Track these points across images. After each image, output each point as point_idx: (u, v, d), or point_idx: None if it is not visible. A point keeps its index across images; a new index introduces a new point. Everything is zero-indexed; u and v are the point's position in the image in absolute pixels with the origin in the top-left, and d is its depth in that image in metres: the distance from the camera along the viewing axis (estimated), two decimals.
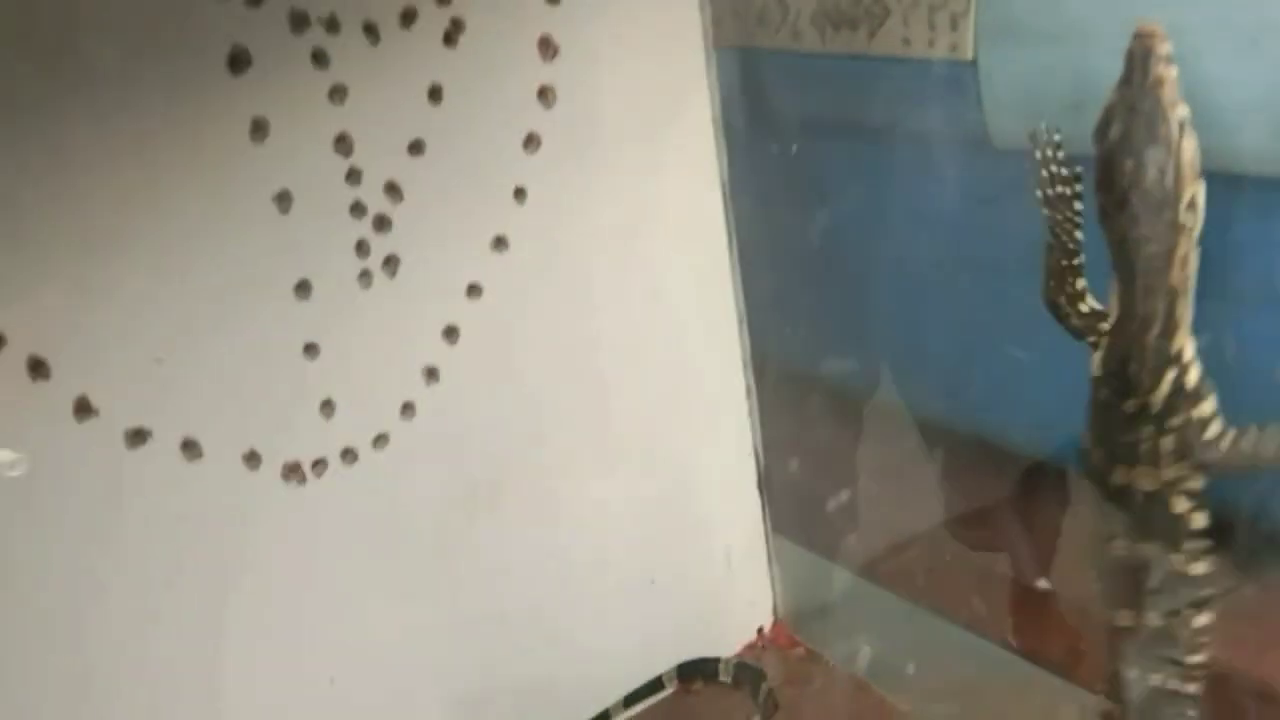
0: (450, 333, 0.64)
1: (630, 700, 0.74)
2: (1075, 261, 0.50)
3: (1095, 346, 0.49)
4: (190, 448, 0.56)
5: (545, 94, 0.63)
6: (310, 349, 0.59)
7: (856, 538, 0.77)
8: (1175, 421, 0.47)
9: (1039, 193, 0.50)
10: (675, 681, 0.75)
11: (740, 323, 0.75)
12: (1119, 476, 0.49)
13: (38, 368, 0.51)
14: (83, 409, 0.53)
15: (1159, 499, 0.48)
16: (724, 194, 0.72)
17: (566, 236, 0.66)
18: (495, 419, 0.66)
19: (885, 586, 0.76)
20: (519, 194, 0.64)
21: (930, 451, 0.70)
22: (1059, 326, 0.52)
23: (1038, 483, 0.67)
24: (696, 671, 0.75)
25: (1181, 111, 0.44)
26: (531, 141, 0.63)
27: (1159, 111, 0.44)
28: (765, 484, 0.78)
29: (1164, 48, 0.44)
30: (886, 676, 0.73)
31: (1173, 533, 0.49)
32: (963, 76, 0.56)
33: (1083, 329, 0.50)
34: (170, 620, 0.57)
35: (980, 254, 0.60)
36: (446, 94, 0.60)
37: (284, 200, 0.56)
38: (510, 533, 0.68)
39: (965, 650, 0.70)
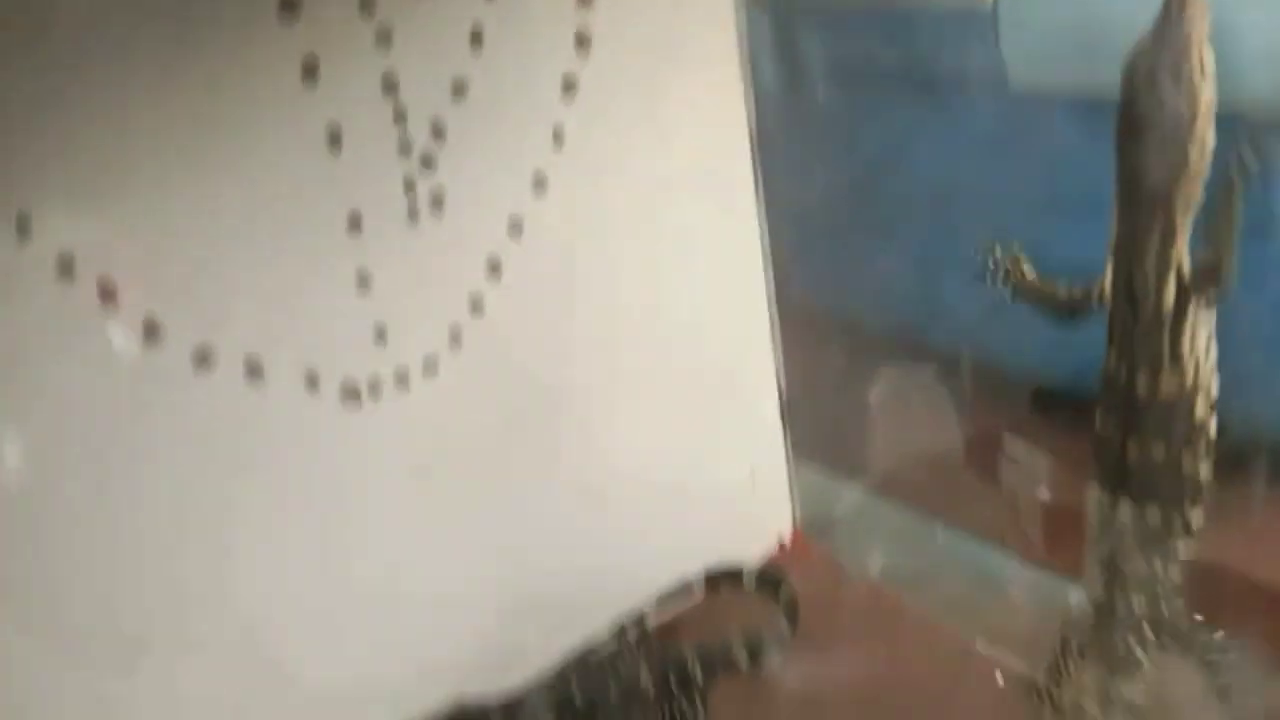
0: (494, 267, 0.67)
1: (663, 602, 0.77)
2: None
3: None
4: (254, 371, 0.59)
5: (582, 41, 0.65)
6: (364, 281, 0.62)
7: (869, 458, 0.81)
8: (1176, 327, 0.51)
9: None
10: (703, 586, 0.79)
11: (765, 261, 0.77)
12: (1143, 386, 0.52)
13: (107, 292, 0.54)
14: (151, 331, 0.56)
15: (1183, 404, 0.52)
16: (752, 141, 0.74)
17: (602, 178, 0.69)
18: (536, 349, 0.69)
19: (896, 501, 0.80)
20: (557, 136, 0.66)
21: (941, 379, 0.74)
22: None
23: (1042, 405, 0.71)
24: (722, 578, 0.79)
25: (1207, 57, 0.47)
26: (569, 86, 0.65)
27: (1186, 53, 0.47)
28: (786, 410, 0.81)
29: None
30: (898, 580, 0.77)
31: (1191, 437, 0.52)
32: (983, 25, 0.59)
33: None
34: (233, 540, 0.61)
35: (995, 192, 0.63)
36: (487, 39, 0.62)
37: (335, 139, 0.59)
38: (552, 453, 0.72)
39: (968, 555, 0.74)
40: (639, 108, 0.68)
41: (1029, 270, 0.57)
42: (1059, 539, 0.70)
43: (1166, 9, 0.47)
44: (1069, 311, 0.56)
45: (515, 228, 0.67)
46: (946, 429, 0.76)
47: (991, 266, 0.58)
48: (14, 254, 0.51)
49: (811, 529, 0.82)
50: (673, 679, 0.70)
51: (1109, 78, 0.50)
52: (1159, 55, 0.47)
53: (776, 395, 0.80)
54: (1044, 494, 0.70)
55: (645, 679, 0.69)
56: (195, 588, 0.60)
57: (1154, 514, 0.54)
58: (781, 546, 0.82)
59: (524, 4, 0.63)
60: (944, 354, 0.73)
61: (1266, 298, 0.55)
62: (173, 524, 0.59)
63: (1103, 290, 0.54)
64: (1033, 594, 0.71)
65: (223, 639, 0.62)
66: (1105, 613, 0.57)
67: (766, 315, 0.79)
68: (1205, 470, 0.53)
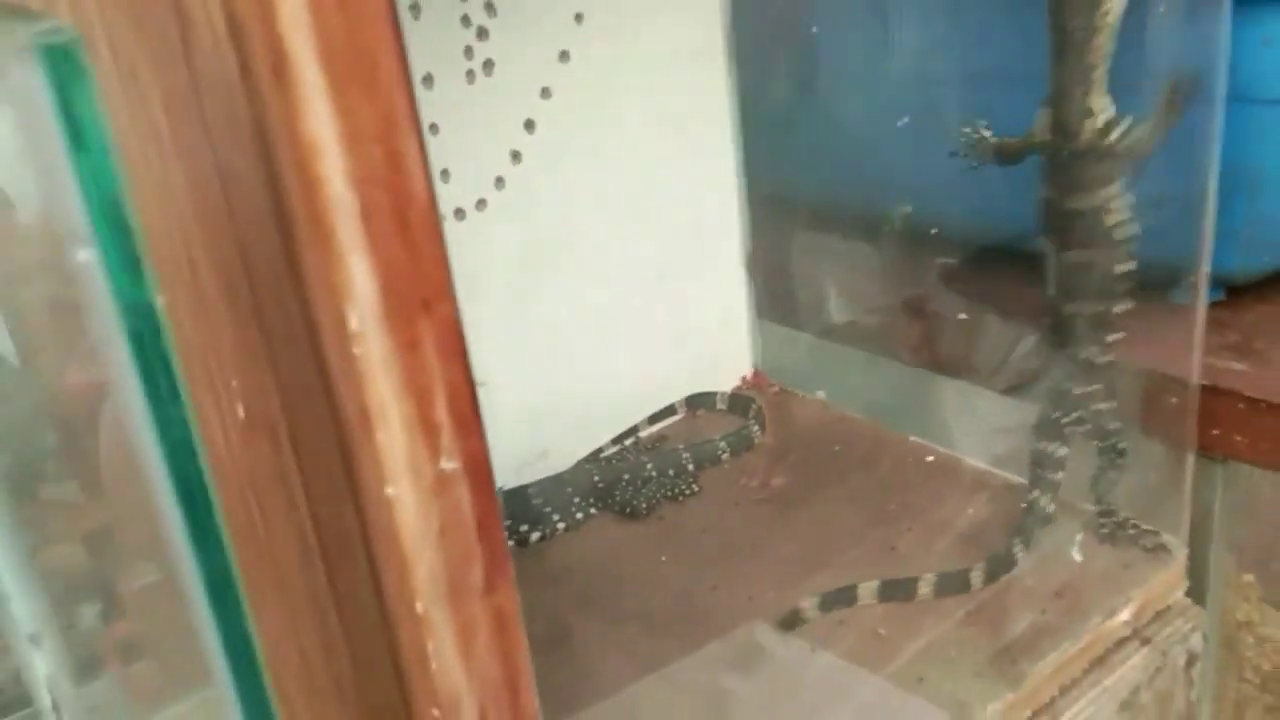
0: (529, 124, 0.78)
1: (653, 419, 0.89)
2: None
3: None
4: None
5: None
6: (434, 128, 0.73)
7: (818, 311, 0.93)
8: (1098, 151, 0.63)
9: None
10: (684, 408, 0.91)
11: (736, 143, 0.89)
12: (1068, 202, 0.63)
13: None
14: None
15: (1096, 214, 0.63)
16: (726, 40, 0.85)
17: (610, 57, 0.80)
18: (559, 196, 0.80)
19: (838, 342, 0.92)
20: (579, 17, 0.78)
21: (880, 243, 0.86)
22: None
23: (969, 258, 0.83)
24: (700, 401, 0.91)
25: None
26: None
27: None
28: (751, 270, 0.93)
29: None
30: (840, 398, 0.90)
31: (1108, 239, 0.64)
32: None
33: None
34: None
35: (940, 71, 0.75)
36: None
37: (415, 9, 0.70)
38: (567, 289, 0.83)
39: (899, 375, 0.87)
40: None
41: (989, 135, 0.68)
42: (973, 357, 0.83)
43: None
44: (1017, 156, 0.66)
45: (546, 91, 0.78)
46: (883, 284, 0.89)
47: (964, 142, 0.69)
48: None
49: (768, 368, 0.95)
50: (671, 468, 0.82)
51: None
52: None
53: (743, 260, 0.92)
54: (962, 316, 0.83)
55: (648, 468, 0.81)
56: None
57: (1086, 307, 0.66)
58: (744, 380, 0.94)
59: None
60: (886, 220, 0.84)
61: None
62: None
63: (1031, 135, 0.65)
64: (956, 400, 0.84)
65: None
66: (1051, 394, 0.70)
67: (736, 196, 0.91)
68: (1125, 269, 0.65)
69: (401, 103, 0.31)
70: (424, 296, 0.33)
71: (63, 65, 0.25)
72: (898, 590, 0.66)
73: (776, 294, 0.94)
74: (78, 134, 0.25)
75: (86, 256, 0.26)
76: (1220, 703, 0.99)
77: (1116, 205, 0.63)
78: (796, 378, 0.94)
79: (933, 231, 0.82)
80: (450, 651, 0.37)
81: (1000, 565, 0.67)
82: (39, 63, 0.25)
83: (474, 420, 0.35)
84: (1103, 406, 0.69)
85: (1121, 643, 0.65)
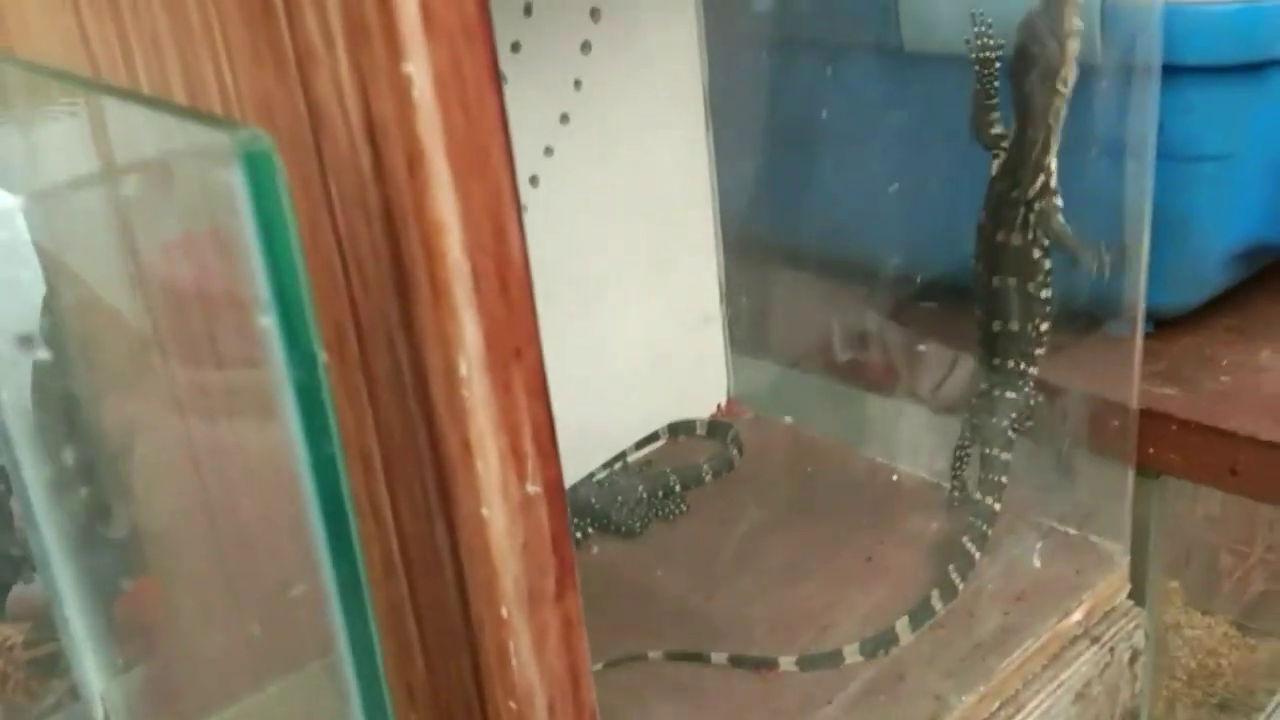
0: (534, 179, 0.83)
1: (639, 445, 0.94)
2: (992, 100, 0.71)
3: (996, 157, 0.71)
4: None
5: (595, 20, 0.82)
6: None
7: (785, 344, 0.99)
8: (1038, 206, 0.70)
9: (973, 55, 0.70)
10: (667, 434, 0.96)
11: (713, 189, 0.95)
12: (1001, 236, 0.71)
13: None
14: None
15: (1024, 249, 0.71)
16: (705, 98, 0.91)
17: (604, 121, 0.84)
18: (560, 247, 0.85)
19: (805, 371, 0.98)
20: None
21: (851, 281, 0.92)
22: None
23: (924, 293, 0.90)
24: (682, 427, 0.96)
25: (1077, 24, 0.66)
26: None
27: (1063, 17, 0.66)
28: (725, 306, 0.99)
29: None
30: (808, 423, 0.96)
31: (1031, 271, 0.71)
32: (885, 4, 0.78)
33: (991, 144, 0.71)
34: None
35: (893, 129, 0.82)
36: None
37: None
38: (558, 329, 0.87)
39: (861, 401, 0.93)
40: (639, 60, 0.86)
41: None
42: (937, 384, 0.89)
43: None
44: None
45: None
46: (846, 318, 0.95)
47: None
48: None
49: (741, 397, 1.00)
50: (660, 490, 0.87)
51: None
52: (1046, 17, 0.67)
53: (719, 299, 0.98)
54: (921, 348, 0.89)
55: (639, 490, 0.87)
56: None
57: (1015, 325, 0.74)
58: (719, 407, 1.00)
59: None
60: (847, 261, 0.91)
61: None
62: None
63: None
64: (916, 423, 0.90)
65: None
66: (986, 403, 0.77)
67: (713, 240, 0.97)
68: (1047, 294, 0.72)
69: (506, 184, 0.36)
70: (517, 345, 0.38)
71: (259, 166, 0.30)
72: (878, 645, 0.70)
73: (748, 328, 1.00)
74: (267, 223, 0.30)
75: (266, 322, 0.31)
76: (1154, 699, 1.06)
77: (1039, 243, 0.70)
78: (767, 405, 0.99)
79: (892, 270, 0.88)
80: (527, 650, 0.42)
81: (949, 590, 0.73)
82: (240, 164, 0.29)
83: (552, 450, 0.40)
84: (1013, 415, 0.75)
85: (1074, 640, 0.71)
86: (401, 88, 0.33)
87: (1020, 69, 0.68)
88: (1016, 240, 0.71)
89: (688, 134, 0.91)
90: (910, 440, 0.88)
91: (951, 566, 0.72)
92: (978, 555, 0.73)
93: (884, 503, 0.84)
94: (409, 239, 0.36)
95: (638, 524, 0.84)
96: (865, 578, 0.74)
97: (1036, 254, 0.71)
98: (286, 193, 0.30)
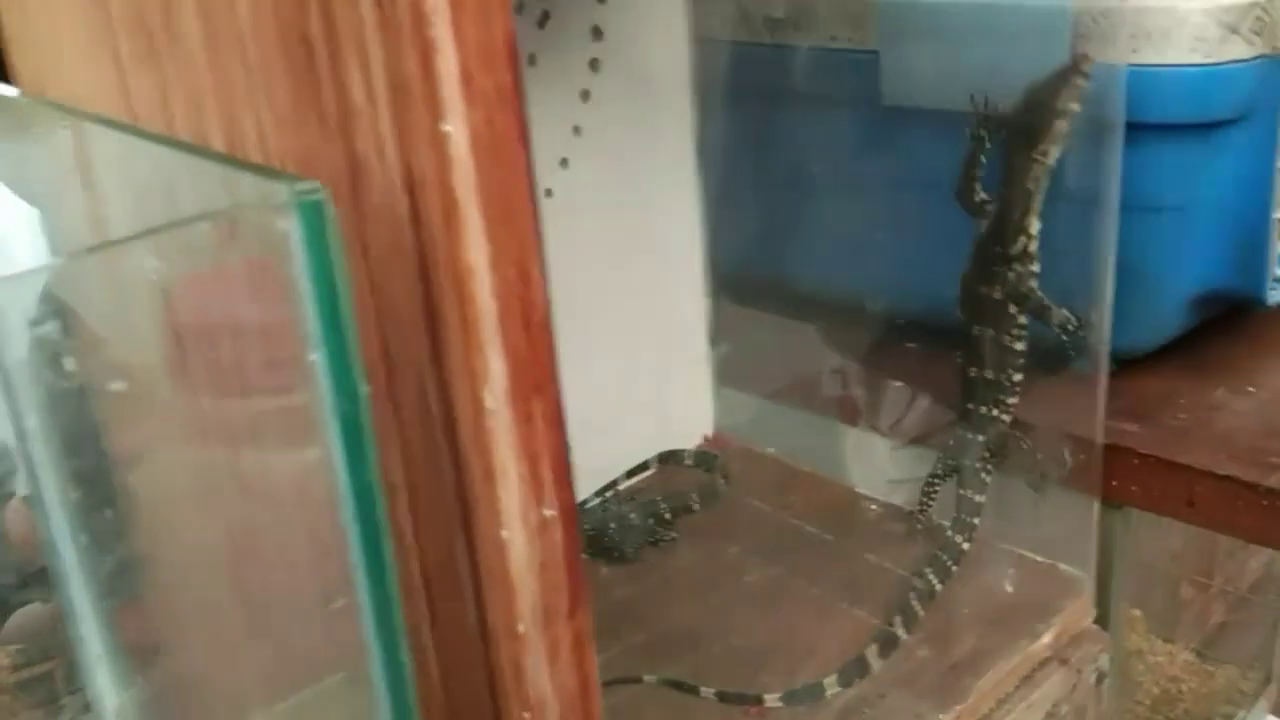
0: (576, 130, 0.85)
1: (629, 474, 0.96)
2: (977, 171, 0.74)
3: (980, 219, 0.74)
4: None
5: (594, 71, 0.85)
6: None
7: (769, 379, 1.02)
8: (1017, 268, 0.73)
9: (969, 130, 0.74)
10: (656, 464, 0.98)
11: (701, 231, 0.98)
12: (983, 289, 0.74)
13: None
14: None
15: (1002, 304, 0.74)
16: (694, 143, 0.94)
17: (600, 166, 0.86)
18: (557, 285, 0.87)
19: (788, 405, 1.00)
20: (576, 130, 0.85)
21: (830, 320, 0.95)
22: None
23: (905, 333, 0.92)
24: (670, 457, 0.98)
25: (1074, 106, 0.69)
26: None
27: (1060, 101, 0.69)
28: (713, 343, 1.01)
29: (1088, 71, 0.68)
30: (792, 453, 0.98)
31: (1008, 324, 0.74)
32: (868, 60, 0.81)
33: (976, 210, 0.75)
34: None
35: (876, 176, 0.85)
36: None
37: None
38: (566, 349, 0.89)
39: (840, 434, 0.95)
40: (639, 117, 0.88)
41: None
42: (910, 420, 0.92)
43: (1069, 68, 0.69)
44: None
45: (549, 193, 0.85)
46: (826, 355, 0.97)
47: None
48: None
49: (726, 426, 1.03)
50: (651, 517, 0.89)
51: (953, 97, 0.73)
52: (1046, 92, 0.69)
53: (706, 337, 1.00)
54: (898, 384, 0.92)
55: (631, 517, 0.89)
56: None
57: (990, 373, 0.76)
58: (705, 438, 1.02)
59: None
60: (829, 302, 0.93)
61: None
62: None
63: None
64: (891, 456, 0.92)
65: None
66: (961, 445, 0.79)
67: (701, 280, 0.99)
68: (1022, 346, 0.75)
69: (530, 232, 0.38)
70: (537, 380, 0.40)
71: (314, 214, 0.32)
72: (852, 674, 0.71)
73: (734, 364, 1.02)
74: (320, 267, 0.32)
75: (315, 357, 0.33)
76: None
77: (1015, 297, 0.73)
78: (751, 436, 1.02)
79: (870, 311, 0.91)
80: (541, 664, 0.44)
81: (927, 592, 0.75)
82: (297, 212, 0.32)
83: (567, 477, 0.42)
84: (986, 457, 0.78)
85: (1044, 662, 0.73)
86: (440, 144, 0.36)
87: (1021, 133, 0.70)
88: (997, 294, 0.74)
89: (677, 178, 0.94)
90: (886, 472, 0.91)
91: (913, 595, 0.75)
92: (939, 587, 0.75)
93: (860, 530, 0.87)
94: (441, 282, 0.38)
95: (630, 549, 0.86)
96: (842, 602, 0.76)
97: (1013, 309, 0.74)
98: (339, 239, 0.32)
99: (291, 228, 0.32)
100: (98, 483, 0.65)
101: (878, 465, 0.92)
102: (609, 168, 0.88)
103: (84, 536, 0.65)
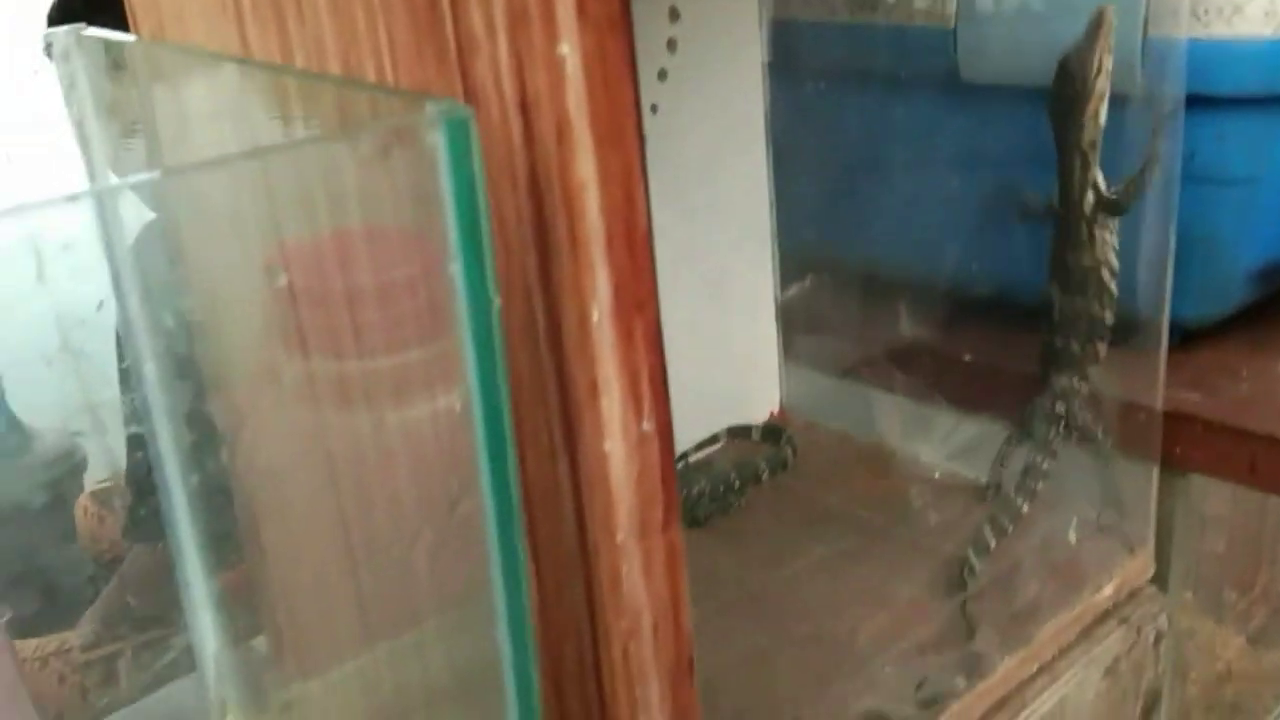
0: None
1: (699, 447, 0.97)
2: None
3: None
4: None
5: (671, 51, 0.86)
6: None
7: (835, 355, 1.02)
8: (1097, 229, 0.73)
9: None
10: (725, 437, 0.99)
11: (772, 214, 0.98)
12: (1071, 257, 0.74)
13: None
14: None
15: (1094, 271, 0.73)
16: (767, 122, 0.95)
17: (678, 129, 0.88)
18: None
19: (857, 382, 1.01)
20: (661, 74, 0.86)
21: (898, 297, 0.95)
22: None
23: (974, 308, 0.92)
24: (739, 432, 0.99)
25: (1108, 60, 0.69)
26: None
27: (1093, 58, 0.69)
28: (781, 320, 1.02)
29: (1111, 23, 0.69)
30: (860, 428, 0.98)
31: (1100, 292, 0.74)
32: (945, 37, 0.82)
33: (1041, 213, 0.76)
34: None
35: (950, 153, 0.85)
36: None
37: None
38: None
39: (905, 408, 0.95)
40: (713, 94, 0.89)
41: (1032, 199, 0.78)
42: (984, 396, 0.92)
43: (1091, 30, 0.70)
44: (1039, 217, 0.77)
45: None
46: (893, 329, 0.98)
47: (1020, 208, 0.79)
48: None
49: (792, 404, 1.03)
50: (721, 485, 0.90)
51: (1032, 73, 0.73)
52: (1080, 58, 0.70)
53: (774, 314, 1.01)
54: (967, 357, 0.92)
55: (703, 484, 0.89)
56: None
57: (1075, 344, 0.76)
58: (772, 414, 1.02)
59: None
60: (897, 278, 0.94)
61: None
62: None
63: (1051, 202, 0.75)
64: (956, 428, 0.93)
65: None
66: (1038, 414, 0.79)
67: (770, 257, 1.00)
68: (1109, 317, 0.75)
69: (636, 156, 0.40)
70: (639, 298, 0.41)
71: (459, 130, 0.33)
72: None
73: (801, 340, 1.03)
74: (464, 181, 0.34)
75: (455, 269, 0.34)
76: (1169, 698, 1.07)
77: (1107, 263, 0.73)
78: (818, 413, 1.02)
79: (940, 287, 0.91)
80: (637, 575, 0.45)
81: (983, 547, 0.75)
82: (443, 129, 0.33)
83: (664, 395, 0.44)
84: (1063, 427, 0.78)
85: (1104, 616, 0.73)
86: (555, 67, 0.37)
87: (1058, 102, 0.71)
88: (1086, 260, 0.74)
89: (749, 158, 0.95)
90: (953, 445, 0.91)
91: (971, 551, 0.75)
92: (994, 544, 0.76)
93: (923, 497, 0.87)
94: (552, 200, 0.39)
95: (701, 514, 0.87)
96: (906, 561, 0.76)
97: (1105, 275, 0.74)
98: (480, 154, 0.34)
99: (438, 142, 0.33)
100: (208, 426, 0.68)
101: (946, 439, 0.92)
102: (683, 145, 0.89)
103: (195, 478, 0.68)
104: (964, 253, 0.86)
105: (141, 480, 1.20)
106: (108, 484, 1.47)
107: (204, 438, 0.64)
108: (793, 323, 1.01)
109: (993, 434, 0.87)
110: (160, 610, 1.15)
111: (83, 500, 1.52)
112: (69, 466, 1.52)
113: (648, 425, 0.43)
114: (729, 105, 0.91)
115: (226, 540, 0.67)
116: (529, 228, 0.41)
